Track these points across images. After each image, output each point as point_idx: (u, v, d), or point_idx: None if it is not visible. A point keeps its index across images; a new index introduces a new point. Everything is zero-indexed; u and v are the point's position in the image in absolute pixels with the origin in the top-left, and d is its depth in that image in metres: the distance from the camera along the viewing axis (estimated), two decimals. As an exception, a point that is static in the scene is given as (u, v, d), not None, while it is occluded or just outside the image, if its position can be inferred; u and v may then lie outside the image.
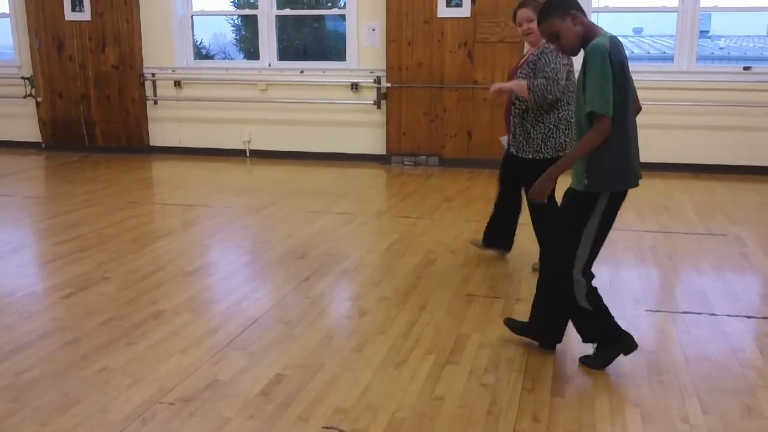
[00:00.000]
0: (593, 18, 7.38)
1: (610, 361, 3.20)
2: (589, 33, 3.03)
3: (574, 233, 3.10)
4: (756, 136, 7.59)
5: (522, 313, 3.84)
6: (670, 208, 6.19)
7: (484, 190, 6.95)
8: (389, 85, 8.17)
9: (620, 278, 4.43)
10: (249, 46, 9.84)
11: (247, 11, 9.72)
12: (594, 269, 3.20)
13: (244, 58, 10.08)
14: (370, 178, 7.75)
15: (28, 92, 9.35)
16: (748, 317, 3.81)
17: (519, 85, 4.15)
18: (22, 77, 9.33)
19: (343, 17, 8.63)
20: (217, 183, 7.41)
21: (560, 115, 4.19)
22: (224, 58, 10.02)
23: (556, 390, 3.03)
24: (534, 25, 4.12)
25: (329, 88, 8.55)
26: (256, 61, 8.90)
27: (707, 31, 16.31)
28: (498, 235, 4.74)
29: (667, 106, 7.60)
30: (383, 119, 8.35)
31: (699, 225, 5.63)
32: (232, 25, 10.14)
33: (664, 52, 14.57)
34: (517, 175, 4.44)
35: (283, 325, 3.71)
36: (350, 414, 2.82)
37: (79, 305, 3.98)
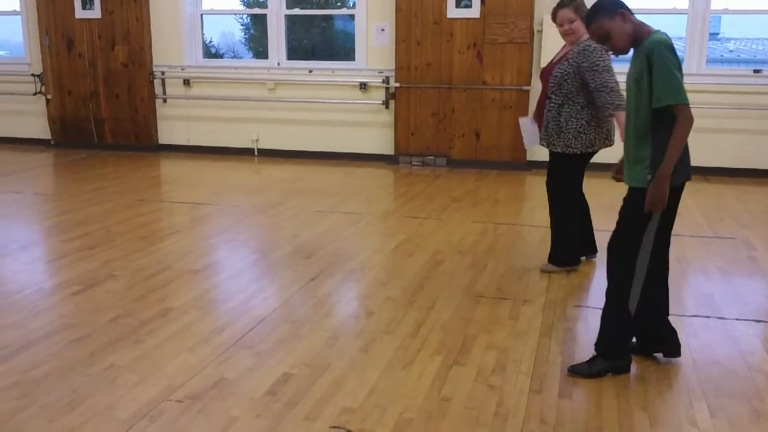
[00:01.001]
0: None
1: (602, 375, 3.16)
2: (638, 31, 3.04)
3: (635, 230, 3.07)
4: (765, 139, 7.55)
5: (529, 314, 3.84)
6: (678, 211, 6.15)
7: (492, 191, 6.94)
8: (398, 85, 8.17)
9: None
10: (258, 46, 9.86)
11: (257, 10, 9.73)
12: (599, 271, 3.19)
13: (252, 57, 10.10)
14: (377, 178, 7.75)
15: (38, 89, 9.39)
16: (757, 321, 3.79)
17: (621, 121, 4.02)
18: (32, 74, 9.38)
19: (352, 17, 8.64)
20: (224, 182, 7.42)
21: (593, 113, 4.25)
22: (233, 57, 10.03)
23: (564, 392, 3.02)
24: (575, 25, 4.20)
25: (338, 87, 8.56)
26: (265, 60, 8.92)
27: (717, 34, 16.24)
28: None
29: (677, 108, 7.56)
30: (391, 119, 8.36)
31: (707, 228, 5.61)
32: (241, 24, 10.16)
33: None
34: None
35: (290, 324, 3.71)
36: (357, 414, 2.82)
37: (87, 302, 3.99)
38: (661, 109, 2.94)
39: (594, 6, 3.11)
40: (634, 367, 3.23)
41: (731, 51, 17.13)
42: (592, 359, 3.21)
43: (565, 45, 4.44)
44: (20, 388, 3.00)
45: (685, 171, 3.07)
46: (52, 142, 9.52)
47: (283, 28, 8.75)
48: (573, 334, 3.62)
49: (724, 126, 7.62)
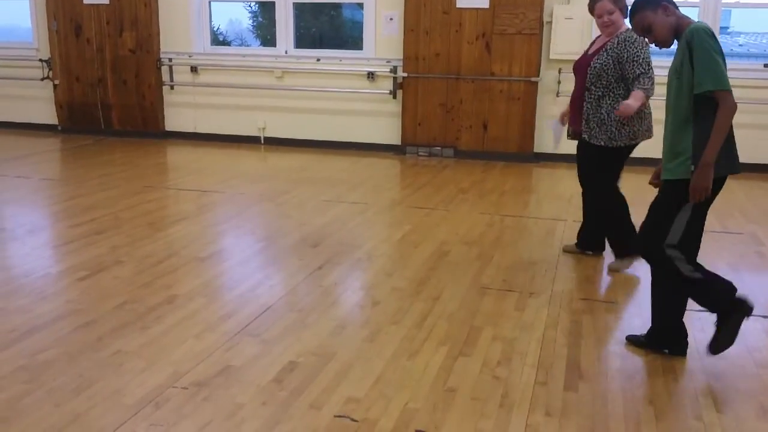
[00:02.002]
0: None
1: (737, 331, 3.07)
2: (681, 24, 3.02)
3: (666, 218, 3.06)
4: (775, 134, 7.52)
5: (535, 306, 3.84)
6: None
7: (499, 183, 6.92)
8: (405, 75, 8.14)
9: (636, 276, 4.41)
10: (266, 33, 9.83)
11: (265, -2, 9.71)
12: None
13: (260, 45, 10.08)
14: (384, 168, 7.74)
15: (46, 75, 9.39)
16: (764, 317, 3.78)
17: (638, 97, 4.00)
18: (40, 60, 9.37)
19: (360, 5, 8.60)
20: (231, 169, 7.42)
21: None
22: (241, 45, 10.01)
23: (569, 384, 3.02)
24: (615, 16, 4.17)
25: (345, 76, 8.54)
26: (273, 48, 8.89)
27: (727, 28, 16.14)
28: (594, 237, 4.69)
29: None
30: (399, 109, 8.33)
31: (715, 223, 5.58)
32: (249, 12, 10.14)
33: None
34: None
35: (296, 312, 3.71)
36: (362, 403, 2.82)
37: (94, 288, 4.00)
38: (702, 96, 2.90)
39: None
40: (640, 361, 3.22)
41: (741, 45, 17.01)
42: (717, 330, 3.12)
43: (599, 36, 4.39)
44: (27, 373, 3.01)
45: (728, 163, 3.00)
46: (60, 128, 9.52)
47: (291, 16, 8.71)
48: (579, 326, 3.61)
49: (734, 121, 7.56)
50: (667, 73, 3.14)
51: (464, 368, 3.13)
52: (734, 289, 3.13)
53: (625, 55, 4.10)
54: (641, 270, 4.33)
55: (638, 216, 3.62)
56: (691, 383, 3.05)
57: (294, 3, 8.69)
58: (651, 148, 4.60)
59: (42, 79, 9.42)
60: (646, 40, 3.31)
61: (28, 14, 9.46)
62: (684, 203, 3.02)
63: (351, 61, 8.54)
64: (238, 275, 4.30)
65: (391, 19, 8.24)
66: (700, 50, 2.87)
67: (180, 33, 8.91)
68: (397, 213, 5.81)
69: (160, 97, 9.10)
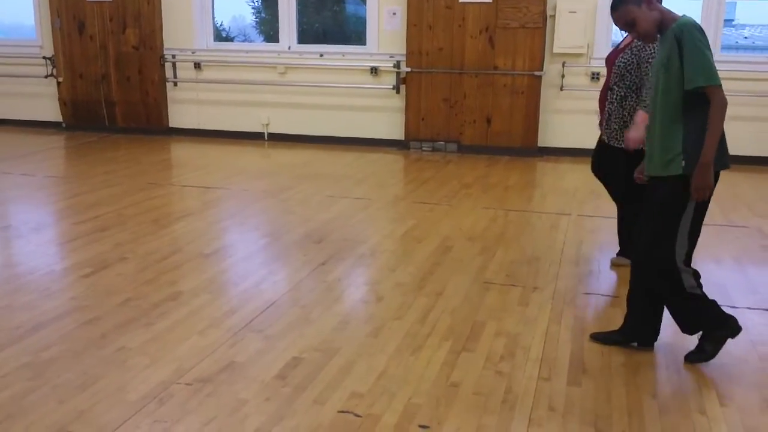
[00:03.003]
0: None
1: (719, 349, 3.10)
2: (665, 18, 3.00)
3: (671, 223, 3.01)
4: (780, 127, 7.49)
5: (539, 301, 3.83)
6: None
7: (502, 178, 6.91)
8: (409, 69, 8.13)
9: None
10: (269, 29, 9.81)
11: (268, -6, 9.69)
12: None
13: (263, 40, 10.05)
14: (388, 163, 7.73)
15: (49, 72, 9.40)
16: (769, 310, 3.77)
17: (639, 122, 3.94)
18: (44, 57, 9.38)
19: (363, 1, 8.58)
20: (235, 166, 7.43)
21: None
22: (244, 41, 10.00)
23: (573, 379, 3.02)
24: None
25: (348, 72, 8.52)
26: (276, 44, 8.88)
27: (732, 20, 16.04)
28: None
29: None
30: (402, 104, 8.32)
31: (720, 216, 5.57)
32: (252, 8, 10.11)
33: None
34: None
35: (300, 308, 3.72)
36: (366, 398, 2.83)
37: (98, 285, 4.01)
38: (692, 92, 2.89)
39: None
40: (643, 356, 3.21)
41: (746, 37, 16.91)
42: (700, 344, 3.14)
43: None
44: (31, 370, 3.03)
45: (720, 159, 2.99)
46: (64, 125, 9.54)
47: (294, 12, 8.70)
48: (582, 321, 3.61)
49: (739, 113, 7.52)
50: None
51: (467, 363, 3.13)
52: (724, 316, 3.12)
53: (644, 55, 3.97)
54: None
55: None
56: (694, 377, 3.05)
57: (297, -2, 8.68)
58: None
59: (46, 77, 9.43)
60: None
61: (32, 12, 9.46)
62: (686, 202, 2.99)
63: (354, 56, 8.53)
64: (242, 271, 4.30)
65: (394, 13, 8.23)
66: (690, 46, 2.86)
67: (183, 29, 8.91)
68: (401, 208, 5.81)
69: (164, 93, 9.11)
